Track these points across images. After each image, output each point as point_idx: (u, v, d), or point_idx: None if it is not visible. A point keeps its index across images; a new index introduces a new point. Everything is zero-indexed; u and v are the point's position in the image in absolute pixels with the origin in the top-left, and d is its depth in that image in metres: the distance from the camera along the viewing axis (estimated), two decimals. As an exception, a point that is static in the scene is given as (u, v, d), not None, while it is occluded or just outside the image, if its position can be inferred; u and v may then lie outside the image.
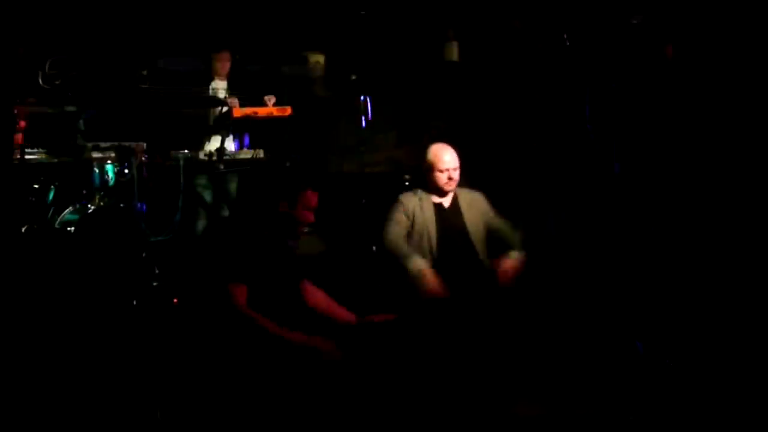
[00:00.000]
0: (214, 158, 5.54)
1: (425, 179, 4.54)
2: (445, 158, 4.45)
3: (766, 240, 4.81)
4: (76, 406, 3.53)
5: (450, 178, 4.44)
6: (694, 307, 4.54)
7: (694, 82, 5.32)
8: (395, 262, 4.31)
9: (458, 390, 3.74)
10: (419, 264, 4.24)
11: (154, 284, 5.03)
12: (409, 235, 4.45)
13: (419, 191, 4.55)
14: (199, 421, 3.38)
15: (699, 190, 5.15)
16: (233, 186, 5.97)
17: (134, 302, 4.83)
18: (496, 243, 4.54)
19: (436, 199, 4.52)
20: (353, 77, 6.45)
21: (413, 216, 4.44)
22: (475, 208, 4.55)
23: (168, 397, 3.57)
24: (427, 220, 4.45)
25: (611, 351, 4.15)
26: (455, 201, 4.56)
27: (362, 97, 6.10)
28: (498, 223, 4.56)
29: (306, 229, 3.79)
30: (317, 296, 3.86)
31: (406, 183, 6.02)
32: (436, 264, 4.35)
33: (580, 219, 5.35)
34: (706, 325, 4.35)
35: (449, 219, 4.50)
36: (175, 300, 4.79)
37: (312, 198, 3.70)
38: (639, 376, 3.87)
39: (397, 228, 4.41)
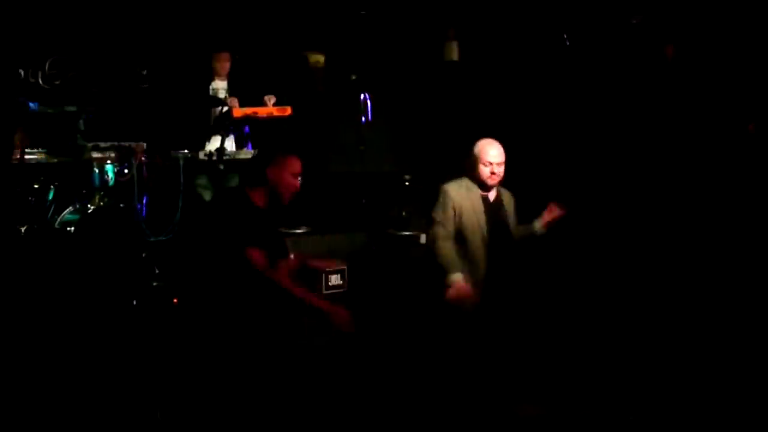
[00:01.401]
0: (214, 158, 5.53)
1: (470, 171, 4.50)
2: (492, 152, 4.42)
3: (765, 240, 4.81)
4: (76, 406, 3.53)
5: (493, 173, 4.42)
6: (695, 307, 4.54)
7: (694, 82, 5.32)
8: (436, 264, 4.32)
9: (460, 389, 3.75)
10: (456, 277, 4.23)
11: (154, 284, 5.03)
12: (458, 228, 4.40)
13: (466, 180, 4.50)
14: (199, 421, 3.38)
15: (699, 189, 5.15)
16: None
17: (134, 302, 4.83)
18: None
19: (482, 192, 4.50)
20: (353, 77, 6.45)
21: (461, 207, 4.41)
22: (511, 206, 4.60)
23: (168, 397, 3.57)
24: (477, 211, 4.43)
25: (611, 351, 4.15)
26: (498, 195, 4.56)
27: (362, 96, 6.09)
28: (515, 221, 4.62)
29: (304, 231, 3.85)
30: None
31: (406, 183, 6.02)
32: (488, 254, 4.36)
33: (579, 219, 5.34)
34: (706, 325, 4.35)
35: (495, 212, 4.50)
36: (175, 300, 4.79)
37: (296, 164, 3.75)
38: (639, 376, 3.87)
39: (445, 231, 4.36)
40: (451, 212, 4.39)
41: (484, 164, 4.42)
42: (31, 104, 5.26)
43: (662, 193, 5.24)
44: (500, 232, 4.46)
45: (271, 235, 3.75)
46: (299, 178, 3.79)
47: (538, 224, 4.53)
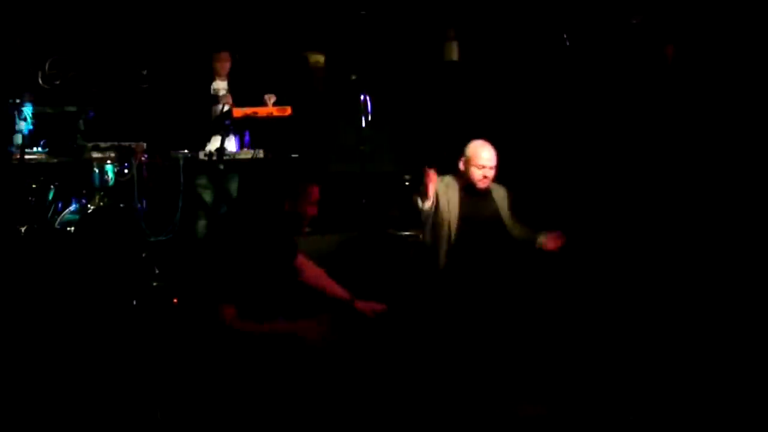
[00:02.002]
0: (214, 158, 5.53)
1: (461, 172, 4.54)
2: (484, 155, 4.45)
3: (765, 239, 4.81)
4: (76, 406, 3.53)
5: (485, 176, 4.45)
6: (695, 307, 4.54)
7: (694, 82, 5.32)
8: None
9: (460, 389, 3.74)
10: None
11: (154, 284, 5.03)
12: (433, 216, 4.49)
13: (448, 178, 4.57)
14: (199, 421, 3.38)
15: (699, 189, 5.15)
16: (233, 186, 5.97)
17: (134, 302, 4.83)
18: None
19: (465, 190, 4.53)
20: (353, 77, 6.45)
21: (436, 199, 4.47)
22: (505, 202, 4.60)
23: (168, 397, 3.57)
24: (452, 206, 4.47)
25: (611, 351, 4.15)
26: (486, 192, 4.57)
27: (362, 96, 6.09)
28: (512, 218, 4.60)
29: (308, 229, 3.79)
30: (309, 270, 3.87)
31: (407, 183, 6.02)
32: (455, 250, 4.42)
33: (579, 218, 5.35)
34: (706, 325, 4.35)
35: (479, 205, 4.52)
36: (175, 300, 4.79)
37: (315, 192, 3.70)
38: (639, 376, 3.87)
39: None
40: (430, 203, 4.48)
41: (476, 167, 4.44)
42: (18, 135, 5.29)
43: (662, 193, 5.24)
44: (482, 225, 4.48)
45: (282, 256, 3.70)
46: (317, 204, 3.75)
47: (540, 241, 4.47)
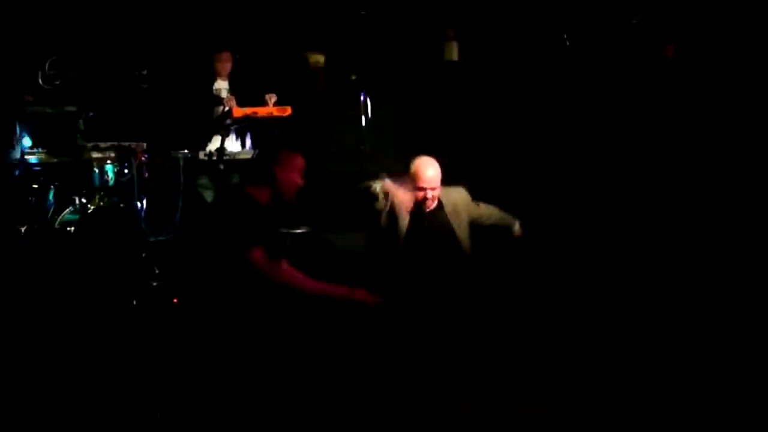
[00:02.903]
0: (214, 158, 5.53)
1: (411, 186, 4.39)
2: (427, 175, 4.26)
3: (766, 239, 4.81)
4: (76, 406, 3.53)
5: (426, 198, 4.27)
6: (694, 306, 4.54)
7: (694, 82, 5.32)
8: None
9: (459, 390, 3.74)
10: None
11: (154, 284, 5.03)
12: (381, 229, 4.38)
13: (409, 193, 4.41)
14: (199, 421, 3.38)
15: (699, 189, 5.15)
16: (234, 186, 5.96)
17: (134, 302, 4.84)
18: (485, 230, 4.48)
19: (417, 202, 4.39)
20: (353, 77, 6.45)
21: (392, 208, 4.36)
22: (456, 203, 4.42)
23: (168, 397, 3.58)
24: (402, 220, 4.35)
25: (612, 351, 4.15)
26: (438, 201, 4.41)
27: (362, 96, 6.09)
28: (481, 210, 4.45)
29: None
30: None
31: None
32: (403, 265, 4.30)
33: (580, 218, 5.35)
34: (706, 325, 4.35)
35: (430, 219, 4.37)
36: (175, 300, 4.79)
37: (299, 160, 3.76)
38: (639, 376, 3.87)
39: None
40: (383, 199, 4.39)
41: (419, 188, 4.26)
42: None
43: (663, 192, 5.24)
44: (436, 238, 4.33)
45: (274, 232, 3.76)
46: (302, 175, 3.81)
47: (515, 230, 4.42)
